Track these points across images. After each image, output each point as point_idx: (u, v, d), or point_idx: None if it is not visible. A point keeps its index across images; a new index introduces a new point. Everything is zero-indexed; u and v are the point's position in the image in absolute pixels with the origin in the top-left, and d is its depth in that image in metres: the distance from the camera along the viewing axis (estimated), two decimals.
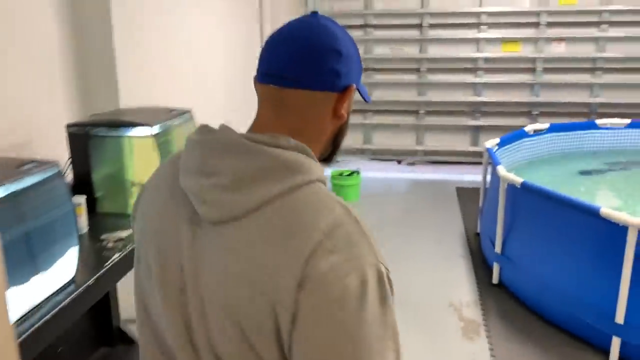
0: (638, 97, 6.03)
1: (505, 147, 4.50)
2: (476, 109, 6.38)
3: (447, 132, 6.48)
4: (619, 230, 2.65)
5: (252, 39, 5.13)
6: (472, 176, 6.07)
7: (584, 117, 6.11)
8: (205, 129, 0.88)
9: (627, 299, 2.66)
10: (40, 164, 1.71)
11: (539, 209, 3.28)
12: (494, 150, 4.17)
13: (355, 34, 6.27)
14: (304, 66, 0.86)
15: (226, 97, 4.53)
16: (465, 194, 5.49)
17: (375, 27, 6.41)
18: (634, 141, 5.03)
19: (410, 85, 6.45)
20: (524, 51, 6.17)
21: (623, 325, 2.69)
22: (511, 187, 3.46)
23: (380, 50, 6.43)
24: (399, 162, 6.90)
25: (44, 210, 1.70)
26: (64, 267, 1.75)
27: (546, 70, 6.15)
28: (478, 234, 4.39)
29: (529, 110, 6.27)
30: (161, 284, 0.87)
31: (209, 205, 0.81)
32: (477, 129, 6.42)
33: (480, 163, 4.60)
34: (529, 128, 4.82)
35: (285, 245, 0.76)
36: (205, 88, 4.11)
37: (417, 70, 6.39)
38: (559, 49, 6.10)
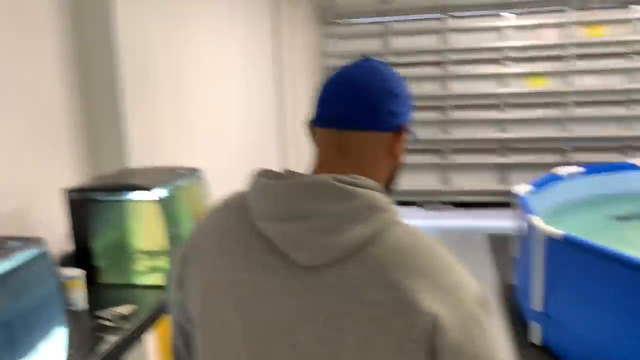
0: None
1: (537, 191, 4.23)
2: (503, 145, 6.12)
3: (473, 171, 6.22)
4: None
5: (268, 89, 4.99)
6: (501, 221, 5.75)
7: (616, 152, 5.82)
8: (272, 173, 0.88)
9: None
10: (23, 243, 1.52)
11: (585, 265, 2.98)
12: (526, 196, 3.90)
13: None
14: (363, 109, 0.89)
15: (243, 150, 4.36)
16: (497, 241, 5.21)
17: (395, 65, 6.25)
18: None
19: (434, 123, 6.24)
20: (552, 85, 5.93)
21: None
22: (550, 239, 3.18)
23: None
24: (422, 205, 6.75)
25: (24, 294, 1.51)
26: (50, 355, 1.54)
27: (576, 104, 5.89)
28: (513, 286, 4.09)
29: (558, 147, 5.99)
30: (246, 339, 0.85)
31: (307, 250, 0.81)
32: (505, 167, 6.14)
33: (508, 204, 4.32)
34: (563, 171, 4.56)
35: (407, 285, 0.78)
36: (221, 142, 3.94)
37: (441, 107, 6.18)
38: (588, 82, 5.84)
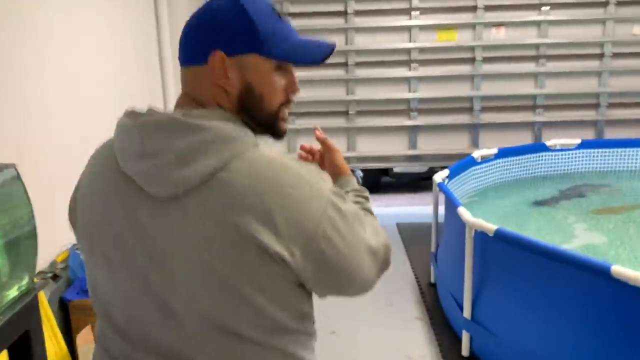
0: (585, 86, 5.50)
1: (454, 178, 3.82)
2: (412, 106, 5.64)
3: (380, 135, 5.71)
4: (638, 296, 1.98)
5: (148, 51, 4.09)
6: (415, 207, 5.45)
7: (529, 111, 5.54)
8: (133, 113, 0.93)
9: None
10: None
11: (521, 264, 2.56)
12: (445, 183, 3.44)
13: None
14: (182, 45, 0.98)
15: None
16: (409, 232, 4.82)
17: (292, 14, 5.49)
18: (584, 162, 4.74)
19: (336, 82, 5.60)
20: (461, 39, 5.47)
21: None
22: (480, 235, 2.72)
23: None
24: None
25: None
26: None
27: (484, 60, 5.49)
28: (433, 285, 3.67)
29: (470, 106, 5.60)
30: (126, 268, 0.93)
31: (161, 184, 0.88)
32: (415, 130, 5.68)
33: (424, 187, 3.89)
34: (477, 155, 4.28)
35: (257, 207, 0.85)
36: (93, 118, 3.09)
37: (343, 64, 5.55)
38: (499, 36, 5.44)
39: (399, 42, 5.49)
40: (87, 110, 3.07)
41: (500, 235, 2.58)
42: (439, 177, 3.56)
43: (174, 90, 4.47)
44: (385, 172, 7.49)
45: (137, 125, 0.90)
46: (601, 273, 2.10)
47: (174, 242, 0.89)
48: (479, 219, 2.73)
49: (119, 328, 0.97)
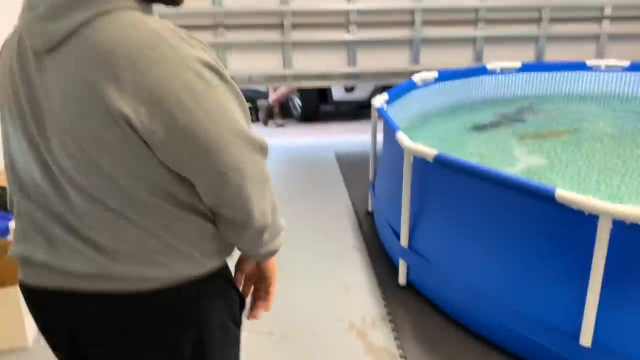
0: (525, 53, 5.29)
1: (394, 102, 3.60)
2: (351, 19, 5.24)
3: (318, 50, 5.32)
4: (583, 221, 1.89)
5: None
6: (354, 136, 5.21)
7: (471, 26, 5.28)
8: None
9: (595, 313, 1.93)
10: None
11: (462, 191, 2.42)
12: (384, 108, 3.21)
13: None
14: None
15: None
16: (347, 161, 4.65)
17: None
18: (525, 86, 4.61)
19: None
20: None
21: (591, 348, 1.98)
22: (420, 161, 2.54)
23: None
24: (265, 123, 6.82)
25: None
26: None
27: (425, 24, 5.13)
28: (370, 214, 3.53)
29: (412, 20, 5.26)
30: (22, 125, 0.98)
31: (34, 36, 0.92)
32: (354, 45, 5.32)
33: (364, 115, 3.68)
34: (417, 78, 4.05)
35: (108, 65, 0.86)
36: None
37: None
38: None
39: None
40: None
41: (440, 161, 2.42)
42: (377, 102, 3.33)
43: None
44: (325, 99, 7.22)
45: None
46: (545, 197, 1.98)
47: (47, 98, 0.93)
48: (418, 143, 2.55)
49: (22, 186, 1.03)
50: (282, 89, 7.24)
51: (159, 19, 0.93)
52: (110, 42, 0.87)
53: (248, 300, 1.24)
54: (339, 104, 7.38)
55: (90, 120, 0.88)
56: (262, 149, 1.00)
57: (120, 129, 0.87)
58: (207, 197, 0.98)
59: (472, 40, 5.36)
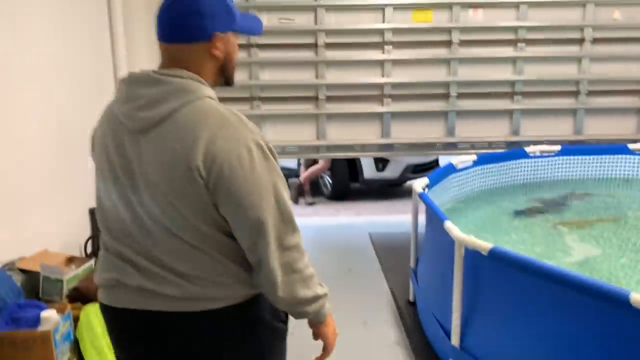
0: (563, 73, 5.24)
1: (434, 187, 3.57)
2: (386, 92, 5.28)
3: (351, 122, 5.35)
4: None
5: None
6: (388, 217, 5.00)
7: (508, 98, 5.27)
8: (130, 73, 1.36)
9: None
10: None
11: (521, 287, 2.28)
12: (426, 192, 3.13)
13: None
14: (173, 26, 1.33)
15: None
16: (383, 243, 4.59)
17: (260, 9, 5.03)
18: (567, 170, 4.57)
19: (307, 64, 5.19)
20: (437, 21, 5.12)
21: None
22: (472, 253, 2.42)
23: (266, 22, 5.08)
24: (296, 201, 6.99)
25: None
26: None
27: (463, 44, 5.16)
28: (412, 304, 3.37)
29: (446, 92, 5.28)
30: (113, 181, 1.36)
31: (134, 120, 1.31)
32: (388, 117, 5.34)
33: (395, 194, 3.57)
34: (456, 161, 4.04)
35: (191, 137, 1.26)
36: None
37: (312, 45, 5.13)
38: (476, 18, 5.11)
39: (372, 22, 5.10)
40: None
41: (496, 255, 2.29)
42: (419, 186, 3.26)
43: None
44: (355, 177, 7.26)
45: (126, 81, 1.34)
46: (618, 301, 1.82)
47: (141, 165, 1.29)
48: (470, 235, 2.43)
49: (111, 229, 1.40)
50: (313, 168, 7.24)
51: (225, 107, 1.34)
52: (193, 124, 1.26)
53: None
54: (370, 182, 7.38)
55: (176, 178, 1.26)
56: (293, 222, 1.35)
57: (195, 182, 1.25)
58: (242, 242, 1.33)
59: (509, 113, 5.32)
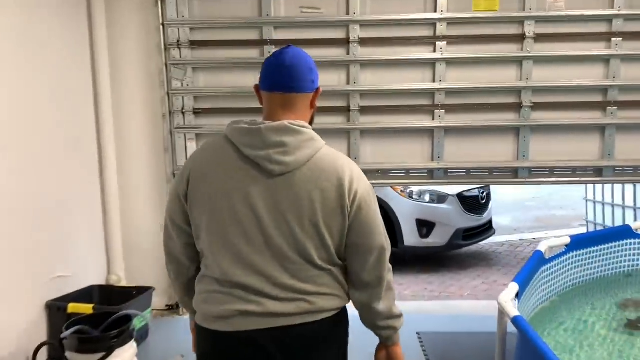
0: None
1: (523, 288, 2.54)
2: (437, 101, 4.06)
3: (391, 140, 4.09)
4: None
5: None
6: (437, 304, 3.99)
7: (597, 110, 3.98)
8: (245, 122, 1.59)
9: None
10: None
11: None
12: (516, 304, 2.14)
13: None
14: (299, 80, 1.60)
15: None
16: (437, 346, 3.33)
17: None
18: None
19: (337, 65, 4.04)
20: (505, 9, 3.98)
21: None
22: None
23: (284, 12, 4.02)
24: None
25: None
26: None
27: (539, 39, 3.98)
28: None
29: (517, 102, 4.02)
30: (251, 211, 1.55)
31: (277, 164, 1.53)
32: (440, 133, 4.07)
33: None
34: (544, 247, 2.95)
35: (336, 177, 1.57)
36: None
37: (346, 41, 4.02)
38: (557, 5, 3.96)
39: (420, 11, 4.00)
40: None
41: None
42: (508, 300, 2.21)
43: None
44: (394, 243, 5.92)
45: (264, 128, 1.55)
46: None
47: (280, 203, 1.55)
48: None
49: (244, 266, 1.60)
50: None
51: None
52: (334, 163, 1.59)
53: None
54: (411, 250, 5.92)
55: (327, 214, 1.57)
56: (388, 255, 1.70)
57: (343, 215, 1.58)
58: (364, 264, 1.65)
59: (600, 129, 4.05)
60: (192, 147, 4.09)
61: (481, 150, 4.06)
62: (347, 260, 1.64)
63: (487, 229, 6.61)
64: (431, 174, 4.13)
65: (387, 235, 1.66)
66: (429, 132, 4.07)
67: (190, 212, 1.61)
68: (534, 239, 7.71)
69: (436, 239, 5.95)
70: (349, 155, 3.86)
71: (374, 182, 4.11)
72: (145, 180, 4.19)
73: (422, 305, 4.67)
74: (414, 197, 5.99)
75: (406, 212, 5.94)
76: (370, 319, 1.72)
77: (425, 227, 5.92)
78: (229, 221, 1.55)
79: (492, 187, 6.80)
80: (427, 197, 6.02)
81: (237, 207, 1.54)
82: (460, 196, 6.12)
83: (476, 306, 4.63)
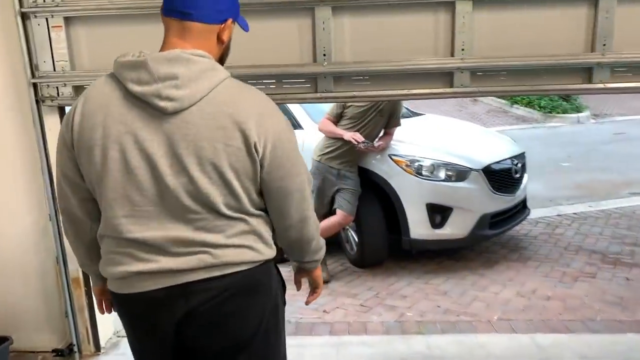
0: None
1: None
2: None
3: None
4: None
5: None
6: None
7: None
8: (131, 55, 1.39)
9: None
10: None
11: None
12: None
13: None
14: (195, 6, 1.41)
15: None
16: None
17: None
18: None
19: None
20: None
21: None
22: None
23: None
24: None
25: None
26: None
27: None
28: None
29: None
30: (144, 159, 1.38)
31: (172, 100, 1.34)
32: None
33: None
34: None
35: (243, 113, 1.38)
36: None
37: None
38: None
39: None
40: None
41: None
42: None
43: None
44: (397, 232, 4.43)
45: (150, 58, 1.36)
46: None
47: (176, 146, 1.37)
48: None
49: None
50: (328, 221, 4.41)
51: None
52: (237, 97, 1.42)
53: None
54: (421, 244, 4.42)
55: (232, 153, 1.40)
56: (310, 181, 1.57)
57: (251, 155, 1.41)
58: (284, 206, 1.52)
59: None
60: None
61: (531, 34, 2.49)
62: (266, 206, 1.51)
63: (519, 209, 5.07)
64: (449, 79, 2.58)
65: (307, 170, 1.54)
66: (448, 4, 2.50)
67: (80, 164, 1.44)
68: (576, 214, 6.18)
69: (454, 229, 4.43)
70: (313, 51, 2.59)
71: (357, 93, 2.67)
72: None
73: (432, 342, 3.21)
74: (423, 173, 4.44)
75: (413, 194, 4.42)
76: (295, 256, 1.69)
77: (439, 213, 4.40)
78: (120, 172, 1.39)
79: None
80: (441, 173, 4.46)
81: (128, 155, 1.38)
82: (487, 170, 4.56)
83: (513, 344, 3.17)
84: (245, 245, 1.46)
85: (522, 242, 5.30)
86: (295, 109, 4.97)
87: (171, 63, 1.35)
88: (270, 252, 1.53)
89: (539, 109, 11.62)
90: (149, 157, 1.37)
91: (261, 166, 1.41)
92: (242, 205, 1.43)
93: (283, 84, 2.63)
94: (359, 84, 2.63)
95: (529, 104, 11.94)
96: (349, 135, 4.24)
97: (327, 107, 4.47)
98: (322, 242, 1.67)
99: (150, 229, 1.40)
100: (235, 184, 1.40)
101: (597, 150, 9.16)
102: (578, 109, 11.65)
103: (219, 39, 1.46)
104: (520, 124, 11.72)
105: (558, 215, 6.15)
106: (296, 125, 4.88)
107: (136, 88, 1.35)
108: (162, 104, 1.34)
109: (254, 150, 1.38)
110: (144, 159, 1.37)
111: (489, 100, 13.14)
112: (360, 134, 4.25)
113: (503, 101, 12.67)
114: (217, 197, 1.39)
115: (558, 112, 11.43)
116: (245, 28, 1.57)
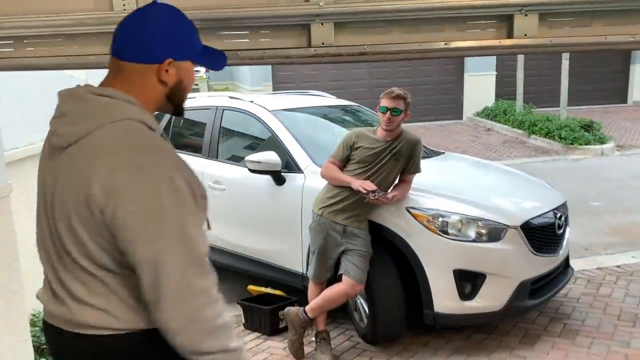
0: None
1: None
2: None
3: None
4: None
5: None
6: None
7: None
8: (69, 88, 1.36)
9: None
10: None
11: None
12: None
13: None
14: (123, 44, 1.34)
15: None
16: None
17: None
18: None
19: None
20: None
21: None
22: None
23: None
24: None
25: None
26: None
27: None
28: None
29: None
30: (40, 199, 1.38)
31: (57, 136, 1.32)
32: None
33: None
34: None
35: (96, 162, 1.25)
36: None
37: None
38: None
39: None
40: None
41: None
42: None
43: None
44: (419, 304, 3.66)
45: (60, 94, 1.36)
46: None
47: (56, 185, 1.31)
48: None
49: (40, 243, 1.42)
50: (334, 289, 3.60)
51: (150, 134, 1.33)
52: (99, 148, 1.27)
53: None
54: (447, 319, 3.58)
55: (79, 203, 1.29)
56: (203, 264, 1.28)
57: (91, 210, 1.28)
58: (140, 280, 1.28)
59: None
60: None
61: None
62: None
63: (562, 270, 4.24)
64: (508, 26, 1.83)
65: (187, 242, 1.25)
66: None
67: None
68: (619, 267, 5.33)
69: (487, 300, 3.60)
70: None
71: (368, 48, 1.93)
72: None
73: None
74: (449, 231, 3.63)
75: (437, 258, 3.61)
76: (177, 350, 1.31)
77: (469, 281, 3.57)
78: (40, 202, 1.41)
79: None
80: (471, 232, 3.64)
81: (41, 191, 1.39)
82: (525, 227, 3.74)
83: None
84: (103, 309, 1.35)
85: (563, 306, 4.45)
86: (292, 147, 4.19)
87: (70, 99, 1.36)
88: (136, 322, 1.36)
89: (559, 139, 10.78)
90: (45, 194, 1.37)
91: (107, 224, 1.28)
92: (95, 260, 1.34)
93: (260, 36, 1.85)
94: (371, 32, 1.83)
95: (548, 135, 11.12)
96: (357, 184, 3.46)
97: (333, 147, 3.72)
98: (207, 345, 1.27)
99: (46, 262, 1.44)
100: (85, 238, 1.31)
101: (628, 186, 8.31)
102: (601, 140, 10.82)
103: (162, 81, 1.37)
104: (540, 156, 10.89)
105: (598, 268, 5.31)
106: (294, 167, 4.09)
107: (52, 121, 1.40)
108: (52, 139, 1.36)
109: (94, 204, 1.26)
110: (43, 195, 1.38)
111: (504, 130, 12.36)
112: (372, 181, 3.47)
113: (520, 131, 11.87)
114: (71, 245, 1.32)
115: (580, 143, 10.59)
116: (213, 67, 1.49)
